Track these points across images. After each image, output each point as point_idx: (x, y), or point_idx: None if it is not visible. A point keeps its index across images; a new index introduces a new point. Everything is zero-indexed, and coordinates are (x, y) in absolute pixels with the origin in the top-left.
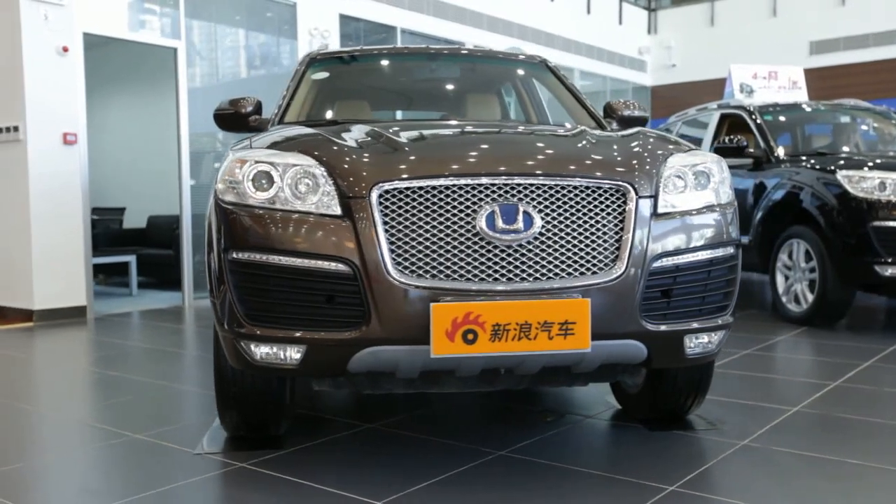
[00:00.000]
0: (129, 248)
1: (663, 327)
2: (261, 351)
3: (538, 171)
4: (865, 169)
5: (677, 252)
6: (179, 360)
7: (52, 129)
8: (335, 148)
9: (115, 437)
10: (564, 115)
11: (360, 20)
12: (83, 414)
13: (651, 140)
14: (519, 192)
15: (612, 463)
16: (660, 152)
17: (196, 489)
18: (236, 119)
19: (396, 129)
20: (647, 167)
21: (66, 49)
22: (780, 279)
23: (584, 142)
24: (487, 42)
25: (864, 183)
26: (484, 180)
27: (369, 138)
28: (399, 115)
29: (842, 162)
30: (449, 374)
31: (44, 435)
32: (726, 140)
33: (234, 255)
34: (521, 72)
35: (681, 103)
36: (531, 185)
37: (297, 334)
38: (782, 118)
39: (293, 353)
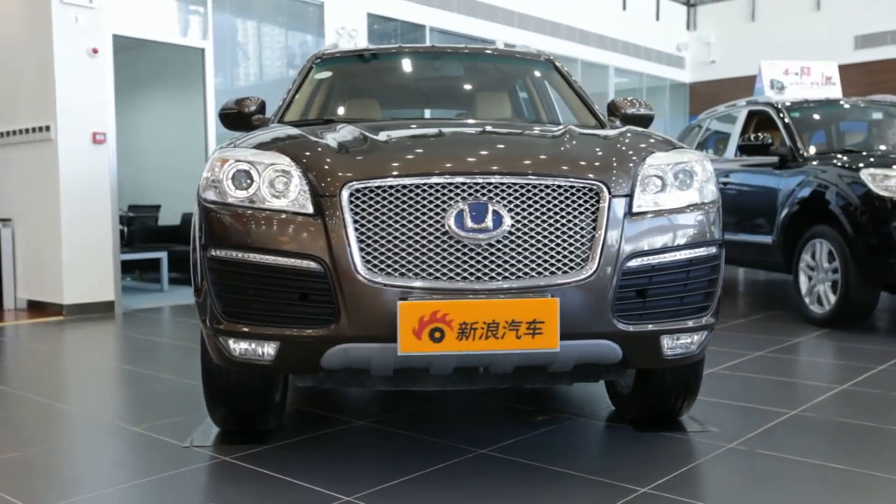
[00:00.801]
0: (163, 245)
1: (639, 327)
2: (238, 347)
3: (509, 171)
4: (893, 168)
5: (653, 252)
6: (195, 356)
7: (82, 129)
8: (312, 148)
9: (112, 428)
10: (568, 113)
11: (388, 19)
12: (88, 406)
13: (633, 139)
14: (489, 191)
15: (590, 463)
16: (639, 151)
17: (173, 481)
18: (240, 118)
19: (380, 128)
20: (624, 166)
21: (95, 51)
22: (803, 280)
23: (563, 141)
24: (520, 40)
25: (889, 181)
26: (454, 179)
27: (350, 138)
28: (401, 113)
29: (866, 160)
30: (424, 371)
31: (45, 425)
32: (751, 137)
33: (213, 253)
34: (526, 70)
35: (720, 100)
36: (502, 184)
37: (271, 331)
38: (812, 115)
39: (268, 350)
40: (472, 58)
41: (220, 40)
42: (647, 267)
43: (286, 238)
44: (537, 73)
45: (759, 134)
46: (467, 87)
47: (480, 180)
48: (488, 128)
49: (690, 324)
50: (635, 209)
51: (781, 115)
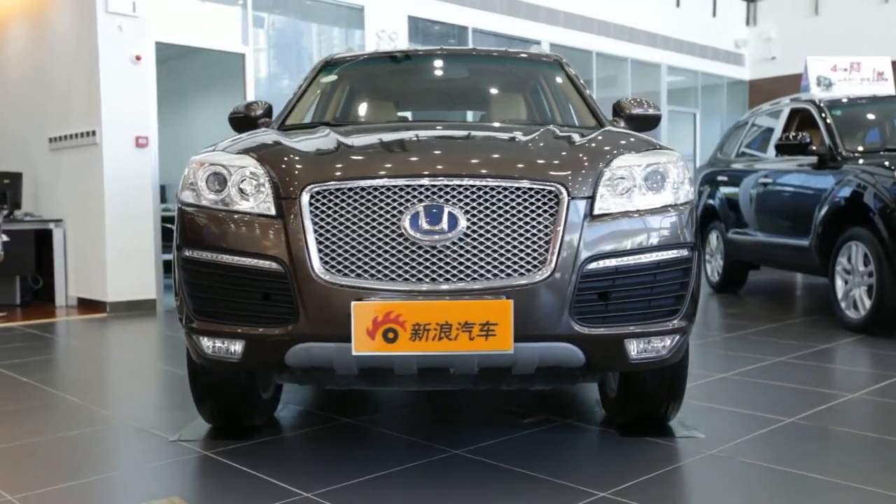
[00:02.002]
0: None
1: (601, 330)
2: (209, 345)
3: (467, 174)
4: None
5: (616, 254)
6: None
7: (126, 134)
8: (281, 152)
9: (110, 422)
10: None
11: (430, 21)
12: (97, 400)
13: (604, 140)
14: (446, 193)
15: (559, 466)
16: (606, 153)
17: (148, 473)
18: (248, 122)
19: (361, 132)
20: (587, 168)
21: (138, 58)
22: (839, 284)
23: (531, 143)
24: (565, 40)
25: None
26: (411, 182)
27: (322, 142)
28: (406, 116)
29: None
30: (389, 371)
31: (48, 417)
32: (789, 136)
33: (186, 253)
34: (532, 71)
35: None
36: (459, 186)
37: (238, 330)
38: (856, 113)
39: (236, 348)
40: (477, 60)
41: (260, 45)
42: (610, 269)
43: (250, 239)
44: (544, 74)
45: (797, 133)
46: (472, 89)
47: (438, 182)
48: (466, 131)
49: (658, 328)
50: (597, 211)
51: (822, 112)
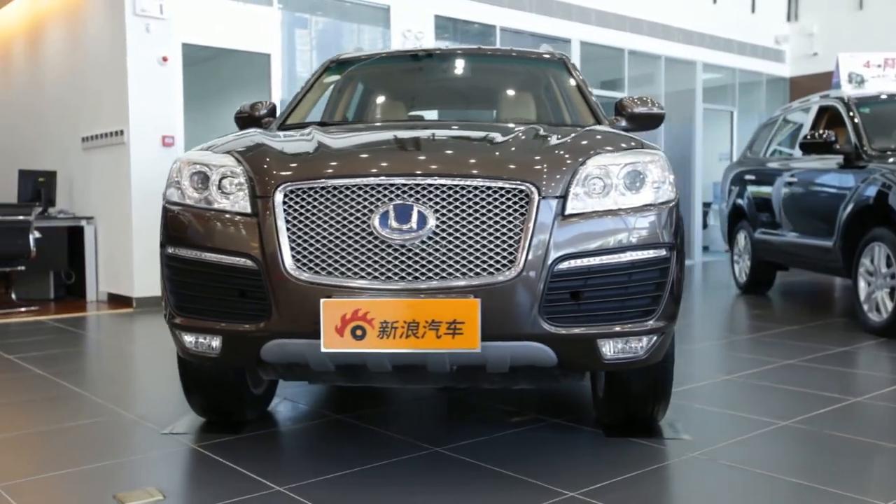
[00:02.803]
0: None
1: (572, 330)
2: (190, 340)
3: (437, 173)
4: None
5: (588, 254)
6: None
7: (152, 133)
8: (261, 151)
9: (111, 414)
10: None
11: (457, 20)
12: (105, 393)
13: (584, 139)
14: (416, 192)
15: (535, 465)
16: (583, 152)
17: (131, 464)
18: (252, 121)
19: (342, 132)
20: (560, 168)
21: (165, 59)
22: (862, 286)
23: (508, 143)
24: (597, 38)
25: None
26: (381, 181)
27: (303, 142)
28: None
29: None
30: (363, 368)
31: (52, 409)
32: (815, 134)
33: (169, 250)
34: (536, 70)
35: None
36: (429, 185)
37: (215, 325)
38: (885, 110)
39: (215, 343)
40: (482, 59)
41: (285, 45)
42: (582, 269)
43: (227, 237)
44: (548, 74)
45: (823, 131)
46: (474, 89)
47: (408, 182)
48: (449, 131)
49: (633, 328)
50: (569, 211)
51: (849, 110)
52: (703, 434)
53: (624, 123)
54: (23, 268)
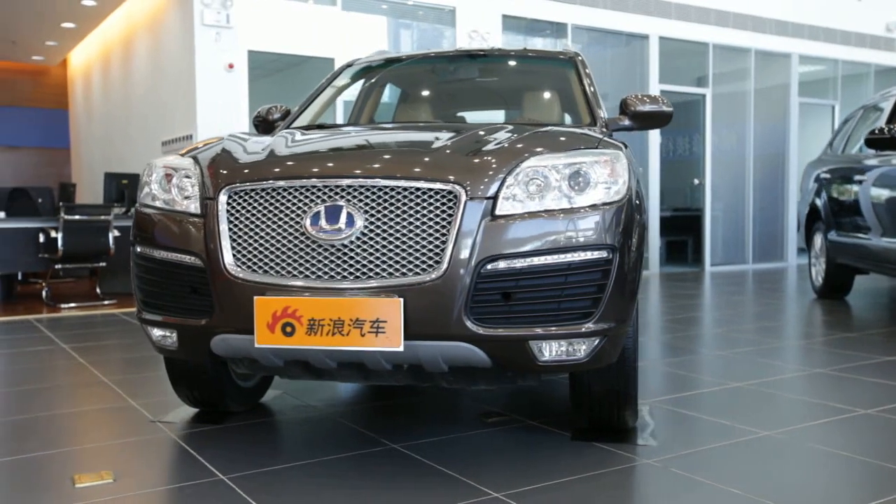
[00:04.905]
0: None
1: (501, 331)
2: (156, 334)
3: (367, 174)
4: None
5: (519, 255)
6: None
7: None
8: (217, 154)
9: (115, 402)
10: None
11: (525, 19)
12: (124, 382)
13: (527, 140)
14: (347, 193)
15: (477, 466)
16: (521, 152)
17: (103, 449)
18: (266, 124)
19: (310, 136)
20: (493, 168)
21: (231, 66)
22: None
23: (446, 145)
24: (678, 33)
25: None
26: (315, 182)
27: (263, 144)
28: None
29: None
30: (306, 364)
31: (64, 395)
32: (882, 129)
33: (137, 249)
34: (544, 69)
35: None
36: (360, 186)
37: (171, 320)
38: None
39: (173, 337)
40: (492, 60)
41: (351, 49)
42: (512, 270)
43: (180, 237)
44: (555, 73)
45: (889, 126)
46: (481, 90)
47: (341, 183)
48: (408, 133)
49: (568, 330)
50: (500, 212)
51: None
52: (676, 441)
53: (627, 122)
54: (104, 264)
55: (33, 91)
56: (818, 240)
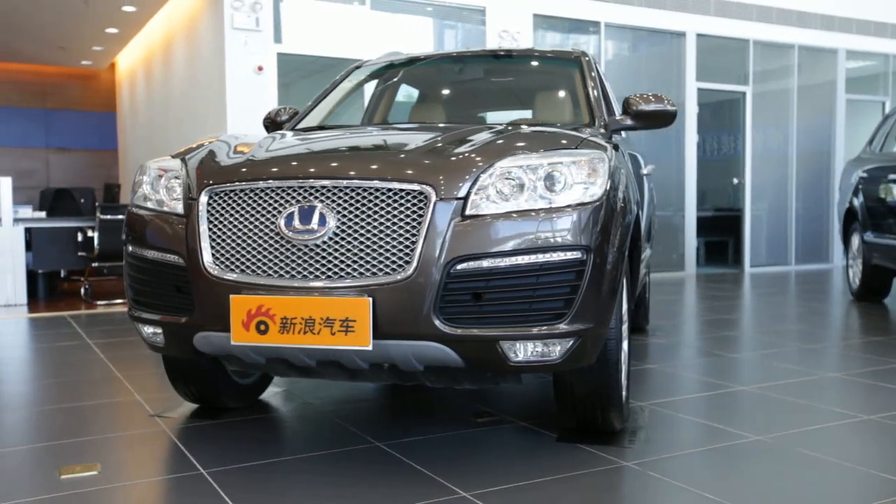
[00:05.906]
0: None
1: (471, 331)
2: (146, 331)
3: (340, 175)
4: None
5: (489, 255)
6: None
7: None
8: (202, 157)
9: (126, 397)
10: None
11: (557, 18)
12: (138, 379)
13: (502, 140)
14: (321, 194)
15: (454, 465)
16: (494, 153)
17: (100, 442)
18: (275, 126)
19: (303, 137)
20: (463, 170)
21: (260, 68)
22: None
23: (422, 146)
24: (717, 30)
25: None
26: (290, 183)
27: (247, 147)
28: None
29: None
30: (285, 362)
31: (79, 390)
32: None
33: (129, 249)
34: (550, 69)
35: None
36: (333, 187)
37: (157, 318)
38: None
39: (159, 334)
40: (495, 60)
41: (380, 50)
42: (482, 270)
43: (164, 236)
44: (559, 73)
45: None
46: (484, 90)
47: (312, 183)
48: (390, 135)
49: (539, 330)
50: (470, 212)
51: None
52: (663, 444)
53: (629, 122)
54: None
55: (84, 95)
56: (855, 240)
